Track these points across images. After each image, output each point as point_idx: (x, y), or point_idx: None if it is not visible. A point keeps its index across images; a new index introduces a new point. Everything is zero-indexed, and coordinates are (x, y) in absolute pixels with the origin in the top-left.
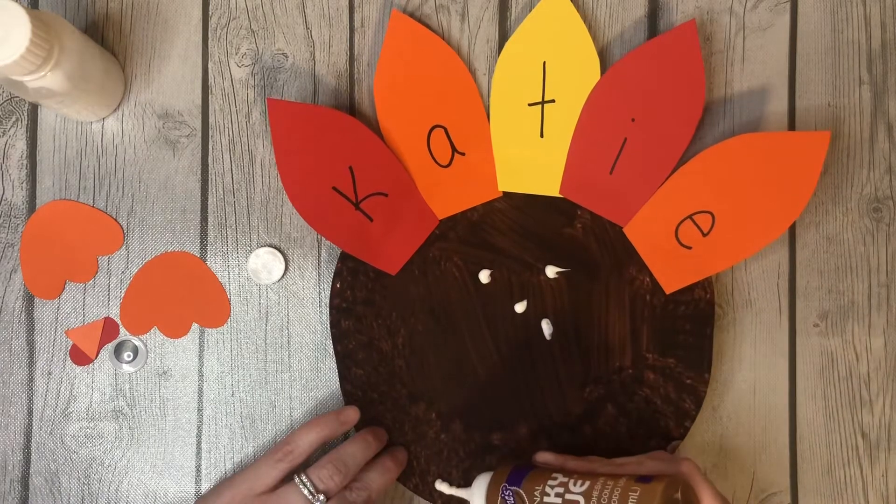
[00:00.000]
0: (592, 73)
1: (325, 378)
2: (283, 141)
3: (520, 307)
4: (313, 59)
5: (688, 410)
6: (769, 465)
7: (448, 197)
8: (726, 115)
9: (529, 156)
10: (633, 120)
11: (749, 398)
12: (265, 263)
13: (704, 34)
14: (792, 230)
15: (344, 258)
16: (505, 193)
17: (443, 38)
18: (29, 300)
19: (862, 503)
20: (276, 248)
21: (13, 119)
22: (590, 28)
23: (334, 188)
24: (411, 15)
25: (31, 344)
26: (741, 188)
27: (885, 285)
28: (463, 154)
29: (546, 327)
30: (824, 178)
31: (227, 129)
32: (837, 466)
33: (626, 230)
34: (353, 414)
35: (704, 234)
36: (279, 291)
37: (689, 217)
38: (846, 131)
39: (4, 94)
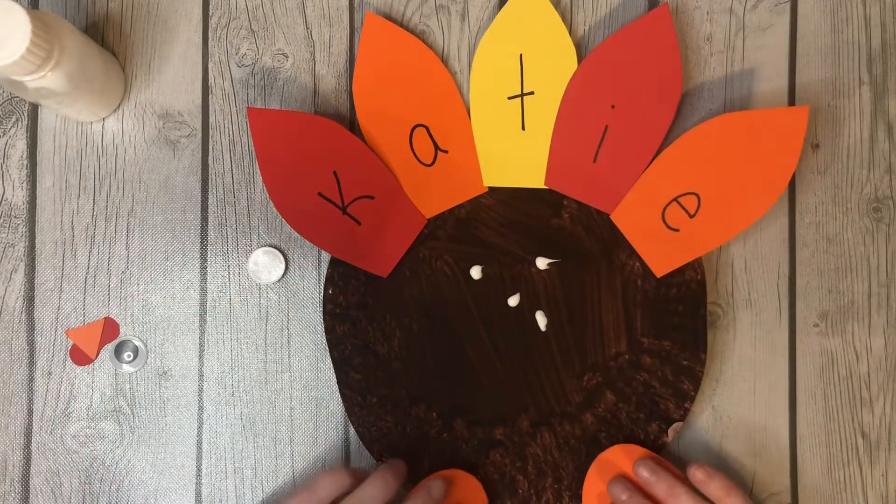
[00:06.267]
0: (569, 63)
1: (325, 378)
2: (266, 149)
3: (513, 301)
4: (313, 59)
5: (686, 391)
6: (769, 465)
7: (434, 196)
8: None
9: (512, 149)
10: (612, 107)
11: (749, 398)
12: (265, 263)
13: (704, 34)
14: (792, 230)
15: (334, 264)
16: (490, 188)
17: (441, 37)
18: (29, 300)
19: (861, 503)
20: (276, 247)
21: (13, 119)
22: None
23: (320, 194)
24: (412, 15)
25: (31, 344)
26: (725, 168)
27: (885, 285)
28: (446, 152)
29: (541, 319)
30: (824, 178)
31: (227, 129)
32: (837, 466)
33: (613, 217)
34: (363, 474)
35: (691, 216)
36: (279, 291)
37: (675, 199)
38: (846, 131)
39: (4, 94)
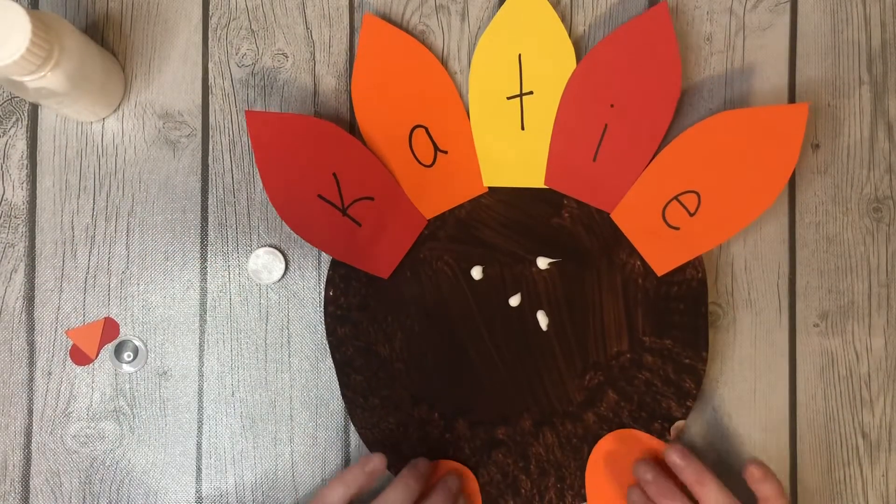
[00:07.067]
0: (568, 63)
1: (325, 378)
2: (265, 152)
3: (514, 300)
4: (313, 59)
5: (688, 390)
6: (769, 465)
7: (434, 196)
8: None
9: (512, 149)
10: (612, 105)
11: (749, 398)
12: (265, 263)
13: (704, 34)
14: (792, 230)
15: (335, 265)
16: (490, 188)
17: (441, 38)
18: (29, 300)
19: (862, 503)
20: (276, 247)
21: (13, 119)
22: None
23: (320, 196)
24: (411, 15)
25: (31, 344)
26: (724, 165)
27: (885, 285)
28: (445, 152)
29: (542, 318)
30: (824, 178)
31: (227, 129)
32: (837, 466)
33: (613, 216)
34: (379, 463)
35: (691, 214)
36: (279, 291)
37: (675, 198)
38: (846, 131)
39: (4, 94)
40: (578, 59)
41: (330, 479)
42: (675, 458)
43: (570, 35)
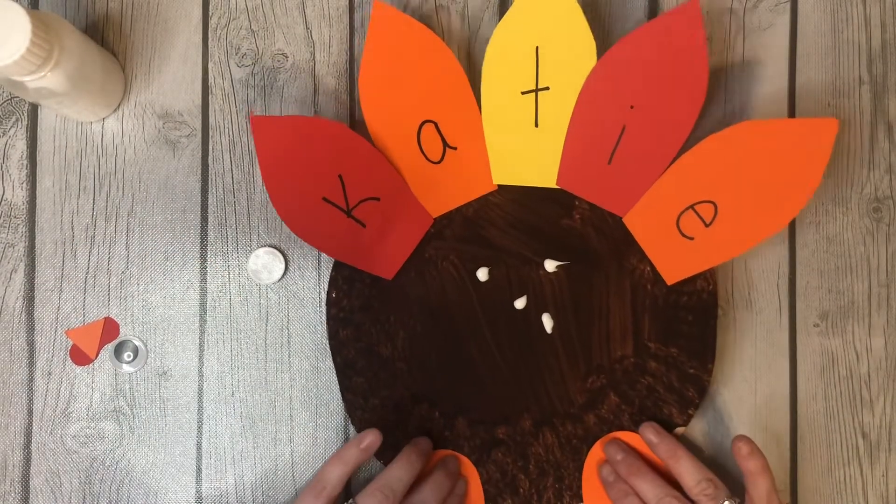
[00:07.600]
0: (588, 58)
1: (325, 378)
2: (269, 157)
3: (520, 303)
4: (313, 59)
5: (691, 399)
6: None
7: (441, 194)
8: (726, 115)
9: (524, 147)
10: (631, 107)
11: (749, 398)
12: (265, 263)
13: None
14: (792, 230)
15: (338, 266)
16: (500, 187)
17: (442, 37)
18: (29, 300)
19: (862, 503)
20: (276, 248)
21: (13, 119)
22: (590, 16)
23: (325, 199)
24: (411, 15)
25: (31, 344)
26: (745, 177)
27: (885, 285)
28: (455, 149)
29: (547, 321)
30: (824, 178)
31: (227, 130)
32: (837, 466)
33: (625, 220)
34: (374, 439)
35: (707, 225)
36: (279, 291)
37: (691, 207)
38: (846, 131)
39: (4, 94)
40: (599, 55)
41: (327, 459)
42: (650, 435)
43: (591, 29)
